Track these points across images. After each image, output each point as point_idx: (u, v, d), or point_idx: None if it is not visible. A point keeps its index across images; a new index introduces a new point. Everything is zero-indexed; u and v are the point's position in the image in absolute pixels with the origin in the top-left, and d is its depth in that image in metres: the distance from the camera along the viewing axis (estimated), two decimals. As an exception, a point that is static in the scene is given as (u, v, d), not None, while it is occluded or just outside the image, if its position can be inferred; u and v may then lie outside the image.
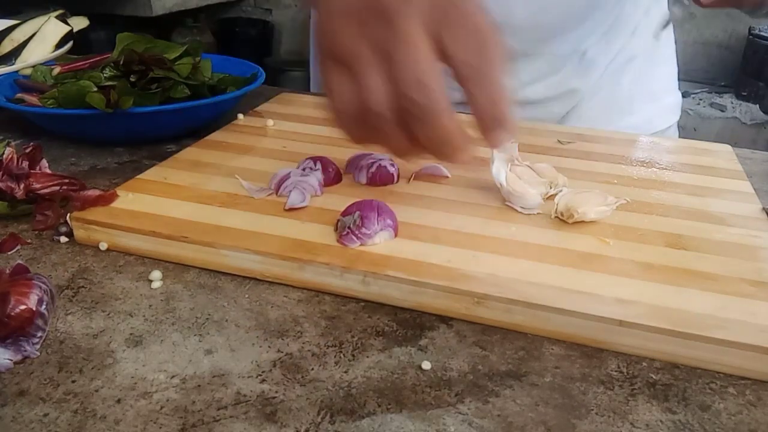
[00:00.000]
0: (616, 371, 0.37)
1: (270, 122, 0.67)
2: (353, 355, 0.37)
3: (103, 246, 0.47)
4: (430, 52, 0.37)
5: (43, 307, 0.37)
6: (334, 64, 0.40)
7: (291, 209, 0.48)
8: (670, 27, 0.85)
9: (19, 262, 0.40)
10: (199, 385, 0.35)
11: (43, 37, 0.79)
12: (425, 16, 0.38)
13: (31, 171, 0.51)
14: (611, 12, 0.76)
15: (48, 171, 0.53)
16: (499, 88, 0.39)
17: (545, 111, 0.79)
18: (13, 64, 0.75)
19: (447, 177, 0.55)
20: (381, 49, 0.38)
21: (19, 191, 0.50)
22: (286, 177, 0.51)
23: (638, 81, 0.82)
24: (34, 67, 0.70)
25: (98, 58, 0.69)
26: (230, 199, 0.50)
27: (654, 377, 0.36)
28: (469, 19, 0.38)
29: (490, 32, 0.39)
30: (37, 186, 0.50)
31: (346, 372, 0.36)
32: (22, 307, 0.36)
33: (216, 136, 0.64)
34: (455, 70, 0.39)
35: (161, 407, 0.33)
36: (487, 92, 0.39)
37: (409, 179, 0.54)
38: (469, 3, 0.39)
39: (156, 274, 0.43)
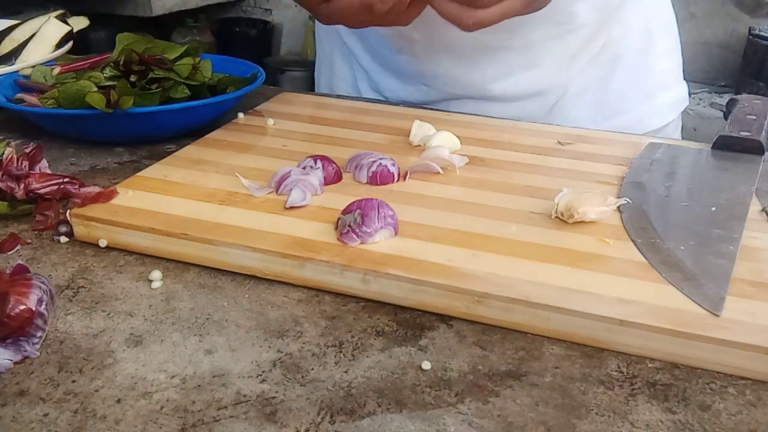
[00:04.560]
0: (616, 371, 0.37)
1: (270, 121, 0.67)
2: (353, 355, 0.37)
3: (103, 243, 0.47)
4: None
5: (43, 307, 0.37)
6: None
7: (291, 207, 0.48)
8: (671, 21, 0.82)
9: (19, 262, 0.40)
10: (199, 385, 0.35)
11: (43, 37, 0.79)
12: None
13: (31, 171, 0.51)
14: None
15: (48, 171, 0.53)
16: None
17: (519, 109, 0.76)
18: (13, 64, 0.75)
19: (439, 173, 0.55)
20: None
21: (19, 191, 0.50)
22: (287, 175, 0.51)
23: (631, 79, 0.78)
24: (34, 67, 0.70)
25: (98, 58, 0.69)
26: (230, 197, 0.50)
27: (654, 377, 0.36)
28: None
29: None
30: (37, 186, 0.50)
31: (346, 372, 0.36)
32: (22, 307, 0.36)
33: (216, 134, 0.64)
34: None
35: (161, 407, 0.33)
36: None
37: (405, 177, 0.54)
38: None
39: (156, 274, 0.43)
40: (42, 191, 0.50)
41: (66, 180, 0.51)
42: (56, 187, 0.50)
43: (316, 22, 0.68)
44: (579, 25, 0.73)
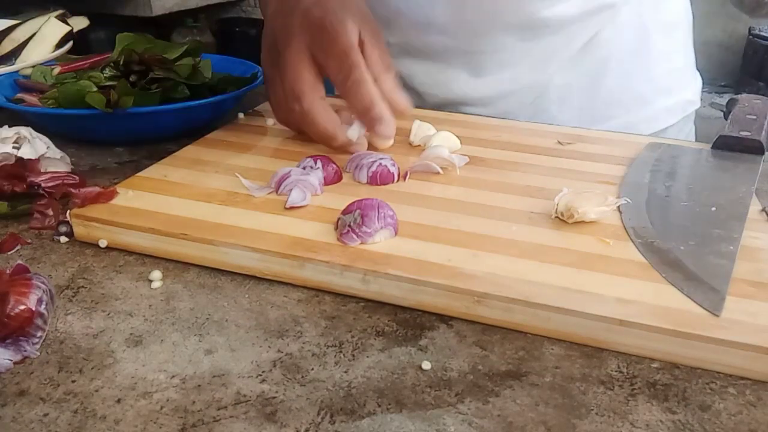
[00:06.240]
0: (616, 371, 0.37)
1: (270, 121, 0.67)
2: (353, 355, 0.37)
3: (103, 243, 0.47)
4: (309, 69, 0.55)
5: (43, 307, 0.37)
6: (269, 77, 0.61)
7: (291, 207, 0.48)
8: (679, 19, 0.78)
9: (19, 262, 0.40)
10: (199, 385, 0.35)
11: (43, 37, 0.79)
12: (306, 43, 0.55)
13: (31, 171, 0.51)
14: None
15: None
16: (370, 93, 0.54)
17: (494, 111, 0.75)
18: (13, 64, 0.75)
19: (439, 173, 0.55)
20: (279, 71, 0.58)
21: (21, 186, 0.50)
22: (287, 175, 0.51)
23: (623, 83, 0.75)
24: (34, 67, 0.70)
25: (98, 58, 0.69)
26: (230, 197, 0.50)
27: (654, 377, 0.36)
28: (336, 41, 0.54)
29: (353, 50, 0.54)
30: (42, 179, 0.50)
31: (346, 372, 0.36)
32: (22, 307, 0.36)
33: (216, 134, 0.64)
34: (332, 82, 0.56)
35: (161, 407, 0.33)
36: (359, 98, 0.54)
37: (405, 177, 0.54)
38: (340, 26, 0.54)
39: (156, 274, 0.43)
40: (45, 184, 0.50)
41: (65, 175, 0.51)
42: (59, 181, 0.51)
43: None
44: (554, 28, 0.72)
